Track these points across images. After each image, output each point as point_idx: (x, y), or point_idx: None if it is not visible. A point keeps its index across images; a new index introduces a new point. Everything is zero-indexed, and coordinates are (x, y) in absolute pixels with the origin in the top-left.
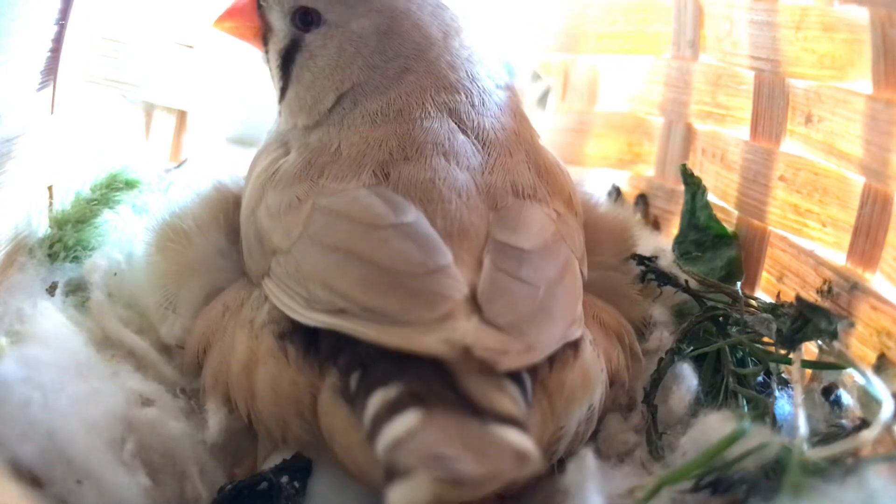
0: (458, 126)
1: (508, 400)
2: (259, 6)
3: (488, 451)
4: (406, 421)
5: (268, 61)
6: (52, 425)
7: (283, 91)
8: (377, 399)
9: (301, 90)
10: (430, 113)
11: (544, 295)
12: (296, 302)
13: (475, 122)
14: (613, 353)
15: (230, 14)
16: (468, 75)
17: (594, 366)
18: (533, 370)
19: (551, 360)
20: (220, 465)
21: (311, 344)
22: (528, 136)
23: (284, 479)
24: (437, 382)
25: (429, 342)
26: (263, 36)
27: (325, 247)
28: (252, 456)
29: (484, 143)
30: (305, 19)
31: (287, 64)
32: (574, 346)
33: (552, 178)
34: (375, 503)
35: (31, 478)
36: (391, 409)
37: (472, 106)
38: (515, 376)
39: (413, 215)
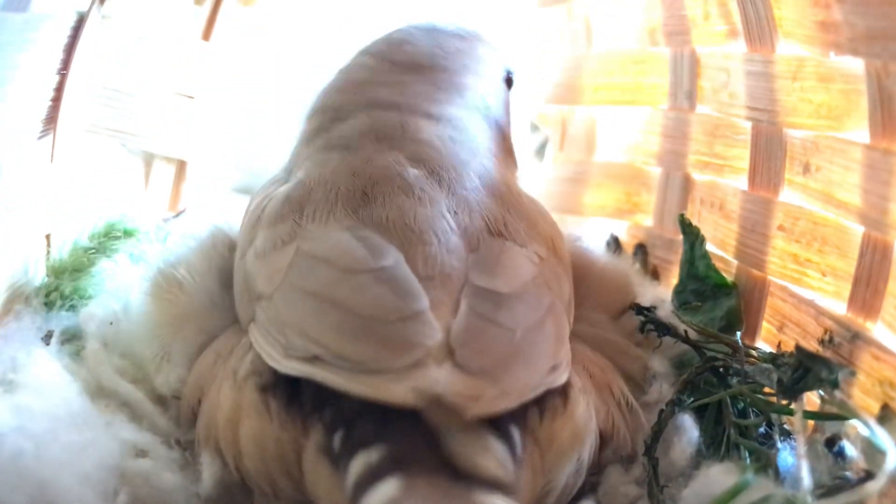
0: (407, 159)
1: (493, 462)
2: None
3: None
4: (387, 490)
5: None
6: (43, 476)
7: None
8: (358, 464)
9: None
10: (377, 147)
11: (521, 339)
12: (275, 349)
13: (426, 156)
14: (603, 406)
15: None
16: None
17: (584, 415)
18: (522, 421)
19: (541, 410)
20: None
21: (294, 397)
22: (494, 171)
23: None
24: (420, 444)
25: (397, 391)
26: None
27: (305, 293)
28: None
29: (443, 181)
30: None
31: None
32: (563, 393)
33: (530, 220)
34: None
35: None
36: (372, 476)
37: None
38: (503, 431)
39: (392, 258)
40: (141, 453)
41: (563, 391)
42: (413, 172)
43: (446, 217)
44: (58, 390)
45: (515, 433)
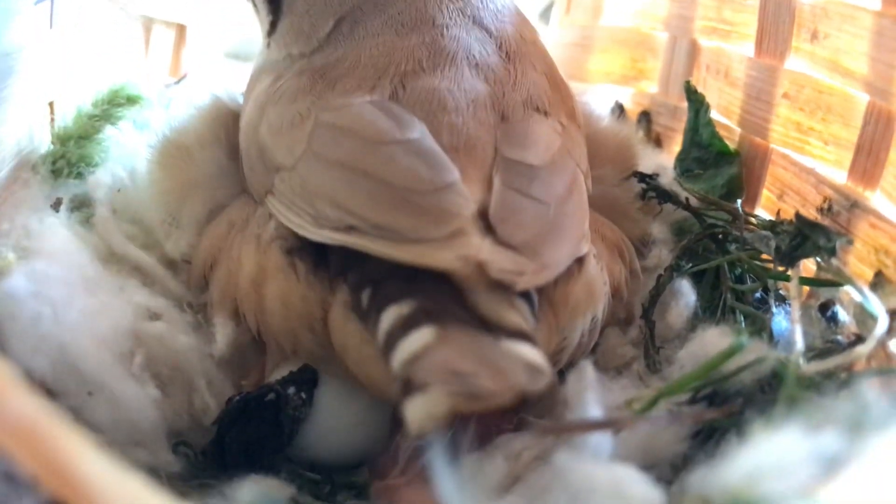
0: (486, 34)
1: (518, 315)
2: None
3: (502, 366)
4: (421, 337)
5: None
6: (62, 339)
7: (273, 24)
8: (391, 315)
9: (296, 19)
10: (454, 20)
11: (555, 212)
12: (303, 219)
13: (497, 30)
14: (615, 267)
15: None
16: None
17: (598, 279)
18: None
19: None
20: (227, 378)
21: (321, 259)
22: (541, 44)
23: (291, 390)
24: (448, 300)
25: (443, 258)
26: None
27: (331, 163)
28: (259, 368)
29: (509, 54)
30: None
31: None
32: (579, 259)
33: (561, 89)
34: (380, 413)
35: (44, 390)
36: (405, 325)
37: (492, 12)
38: (523, 292)
39: (418, 131)
40: (154, 316)
41: (579, 257)
42: (444, 44)
43: (476, 86)
44: (71, 256)
45: (534, 294)
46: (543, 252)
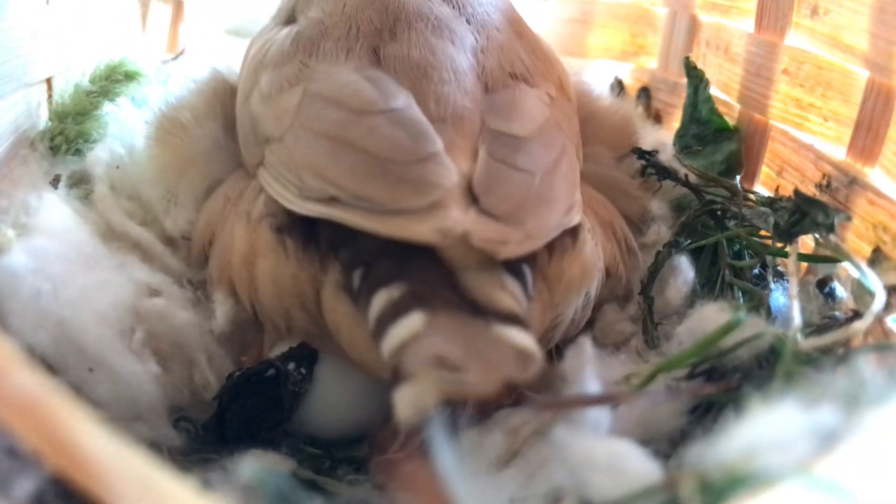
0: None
1: (509, 297)
2: None
3: (491, 353)
4: (410, 324)
5: None
6: (62, 315)
7: None
8: (381, 299)
9: None
10: None
11: (541, 182)
12: (289, 191)
13: None
14: (608, 244)
15: None
16: None
17: (592, 254)
18: (532, 259)
19: (550, 248)
20: (227, 354)
21: (311, 237)
22: (516, 12)
23: (291, 365)
24: (439, 282)
25: (421, 230)
26: None
27: (316, 134)
28: (259, 344)
29: (471, 18)
30: None
31: None
32: (572, 233)
33: (545, 59)
34: (379, 389)
35: (44, 366)
36: (395, 310)
37: None
38: (515, 270)
39: (403, 101)
40: (154, 292)
41: (573, 230)
42: (433, 8)
43: (463, 55)
44: (70, 233)
45: (527, 271)
46: (527, 221)
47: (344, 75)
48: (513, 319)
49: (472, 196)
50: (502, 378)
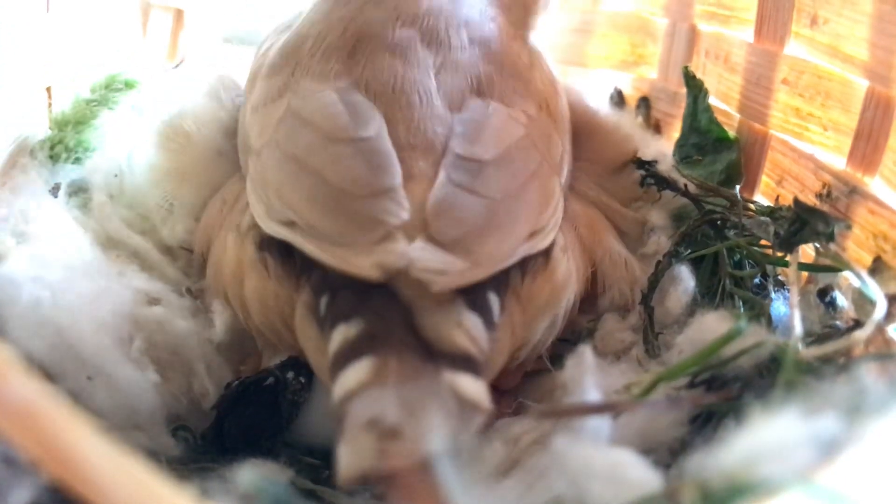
0: (399, 13)
1: (464, 336)
2: None
3: (434, 409)
4: (358, 373)
5: None
6: (61, 323)
7: None
8: (339, 335)
9: None
10: None
11: (500, 207)
12: (261, 207)
13: (419, 9)
14: (583, 267)
15: None
16: None
17: (564, 274)
18: (504, 284)
19: (523, 270)
20: (226, 363)
21: (288, 255)
22: (492, 26)
23: (290, 374)
24: (396, 319)
25: (363, 265)
26: None
27: (285, 155)
28: (258, 353)
29: (430, 37)
30: None
31: None
32: (545, 254)
33: (522, 78)
34: None
35: (43, 374)
36: (349, 352)
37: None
38: (479, 302)
39: (374, 129)
40: (153, 301)
41: (546, 251)
42: (403, 29)
43: (431, 78)
44: (69, 241)
45: (493, 299)
46: (476, 249)
47: (325, 95)
48: (466, 361)
49: (424, 222)
50: (441, 434)
